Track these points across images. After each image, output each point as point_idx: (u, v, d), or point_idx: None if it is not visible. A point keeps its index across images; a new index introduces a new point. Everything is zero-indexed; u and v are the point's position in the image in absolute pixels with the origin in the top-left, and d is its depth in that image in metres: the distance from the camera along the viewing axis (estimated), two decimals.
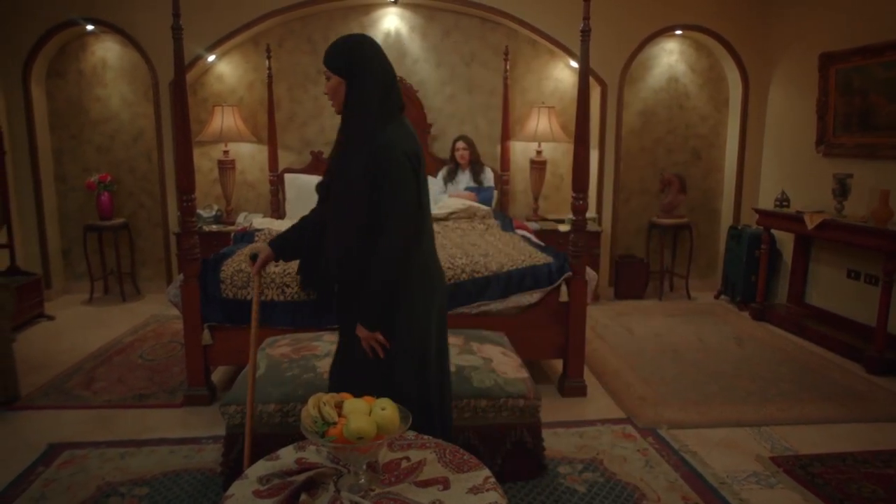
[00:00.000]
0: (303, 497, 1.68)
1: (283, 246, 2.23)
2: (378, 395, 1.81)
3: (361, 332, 2.02)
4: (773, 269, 5.27)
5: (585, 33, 3.26)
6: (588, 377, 3.66)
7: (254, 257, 2.23)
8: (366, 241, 1.96)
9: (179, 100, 3.25)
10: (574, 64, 5.48)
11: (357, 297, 2.03)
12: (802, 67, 4.97)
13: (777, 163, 5.42)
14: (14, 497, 2.46)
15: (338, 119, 5.35)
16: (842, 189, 4.27)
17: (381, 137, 1.90)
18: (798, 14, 5.07)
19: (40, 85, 5.23)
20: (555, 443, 2.91)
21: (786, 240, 5.20)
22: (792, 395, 3.51)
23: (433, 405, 2.14)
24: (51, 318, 4.83)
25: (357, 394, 1.83)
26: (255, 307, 2.24)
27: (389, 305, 2.00)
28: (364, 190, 1.92)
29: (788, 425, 3.15)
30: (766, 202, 5.29)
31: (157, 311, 5.04)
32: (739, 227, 5.49)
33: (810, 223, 4.34)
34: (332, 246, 2.07)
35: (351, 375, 2.12)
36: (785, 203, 4.83)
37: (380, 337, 2.01)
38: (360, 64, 1.92)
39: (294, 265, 3.37)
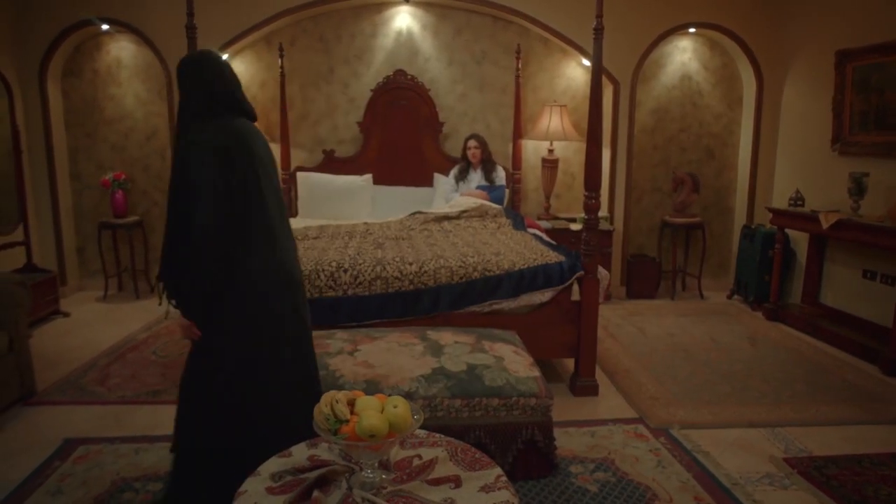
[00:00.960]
0: (315, 494, 1.69)
1: None
2: (193, 401, 2.06)
3: (181, 319, 2.05)
4: (786, 268, 5.22)
5: (598, 31, 3.25)
6: (600, 376, 3.65)
7: None
8: (183, 235, 2.00)
9: None
10: (586, 62, 5.46)
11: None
12: (818, 65, 4.92)
13: (791, 161, 5.37)
14: (32, 490, 2.50)
15: (350, 117, 5.43)
16: (858, 188, 4.22)
17: (190, 136, 2.02)
18: (813, 11, 5.02)
19: (56, 84, 5.28)
20: (566, 442, 2.90)
21: (800, 239, 5.15)
22: (806, 396, 3.48)
23: (246, 432, 2.07)
24: (66, 314, 4.89)
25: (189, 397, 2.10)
26: None
27: (212, 299, 2.01)
28: (177, 184, 2.01)
29: (802, 426, 3.12)
30: (780, 201, 5.24)
31: (170, 308, 5.06)
32: (753, 227, 5.45)
33: (825, 223, 4.30)
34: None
35: (185, 378, 2.16)
36: (799, 202, 4.79)
37: (193, 328, 2.03)
38: (185, 76, 2.12)
39: (306, 264, 3.38)
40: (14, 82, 4.94)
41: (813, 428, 3.10)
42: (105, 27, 5.19)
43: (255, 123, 2.25)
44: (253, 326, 2.07)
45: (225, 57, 5.32)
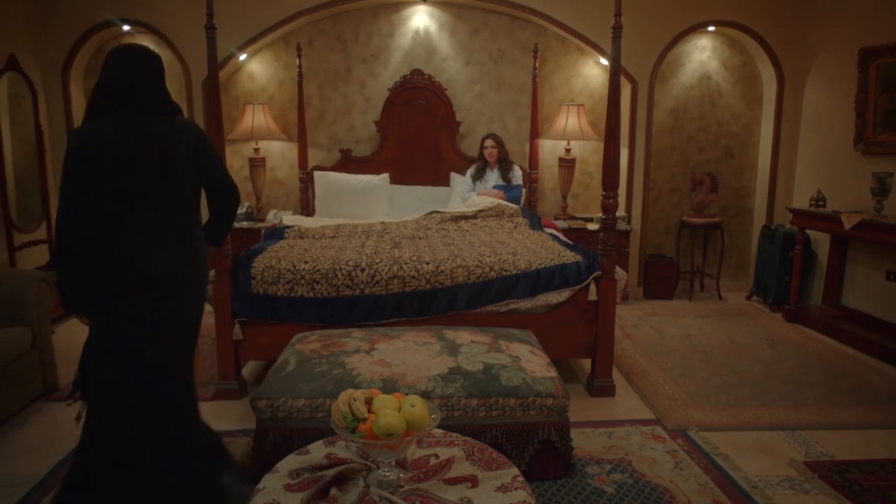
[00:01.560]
0: (333, 492, 1.70)
1: None
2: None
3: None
4: (807, 269, 5.15)
5: (617, 30, 3.23)
6: (616, 377, 3.63)
7: None
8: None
9: (213, 98, 3.29)
10: (604, 61, 5.43)
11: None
12: (840, 63, 4.85)
13: (813, 161, 5.29)
14: (54, 485, 2.53)
15: (367, 117, 5.43)
16: (881, 188, 4.15)
17: (73, 130, 2.09)
18: (836, 8, 4.95)
19: (78, 84, 5.35)
20: (583, 442, 2.89)
21: (821, 240, 5.08)
22: (827, 399, 3.43)
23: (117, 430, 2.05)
24: None
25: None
26: None
27: (87, 292, 2.04)
28: None
29: (823, 430, 3.07)
30: (801, 202, 5.18)
31: None
32: (773, 227, 5.39)
33: (847, 223, 4.24)
34: None
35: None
36: (821, 203, 4.72)
37: (84, 318, 2.11)
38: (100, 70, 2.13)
39: (324, 262, 3.40)
40: (38, 83, 5.02)
41: (834, 431, 3.06)
42: (126, 28, 5.26)
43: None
44: (108, 323, 2.05)
45: (243, 57, 5.37)
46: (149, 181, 2.06)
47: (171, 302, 2.08)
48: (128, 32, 5.36)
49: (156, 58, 2.16)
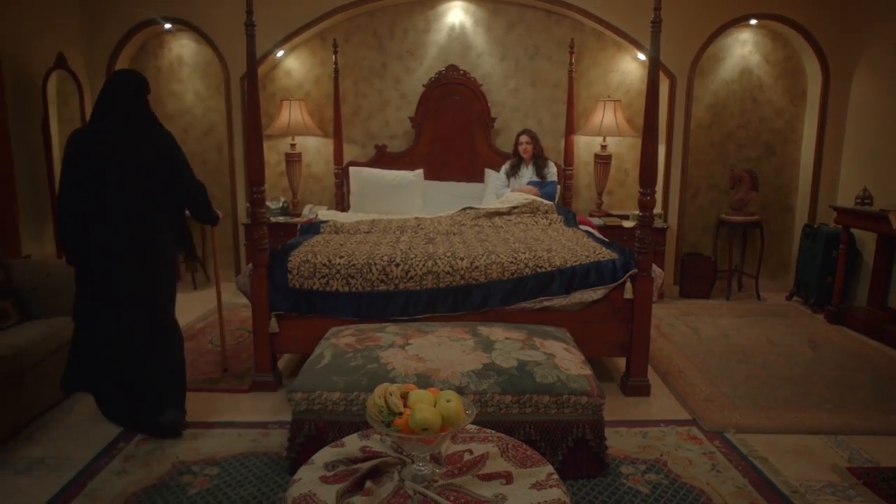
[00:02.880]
0: (368, 484, 1.72)
1: None
2: None
3: None
4: (851, 270, 5.00)
5: (656, 24, 3.17)
6: (652, 377, 3.58)
7: None
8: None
9: (251, 95, 3.34)
10: (641, 56, 5.35)
11: None
12: (891, 57, 4.68)
13: (859, 158, 5.13)
14: (98, 469, 2.62)
15: (402, 113, 5.47)
16: None
17: None
18: None
19: None
20: (617, 442, 2.86)
21: (867, 240, 4.93)
22: (872, 404, 3.33)
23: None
24: None
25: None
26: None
27: (76, 251, 2.82)
28: None
29: (868, 435, 2.98)
30: (846, 200, 5.02)
31: (226, 298, 5.20)
32: (815, 226, 5.24)
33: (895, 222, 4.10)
34: None
35: None
36: (867, 201, 4.58)
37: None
38: None
39: (359, 257, 3.43)
40: (84, 81, 5.16)
41: (880, 437, 2.97)
42: (167, 26, 5.38)
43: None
44: (81, 277, 2.86)
45: (280, 54, 5.43)
46: (111, 173, 2.73)
47: (115, 261, 2.79)
48: (169, 31, 5.48)
49: (133, 78, 2.85)
